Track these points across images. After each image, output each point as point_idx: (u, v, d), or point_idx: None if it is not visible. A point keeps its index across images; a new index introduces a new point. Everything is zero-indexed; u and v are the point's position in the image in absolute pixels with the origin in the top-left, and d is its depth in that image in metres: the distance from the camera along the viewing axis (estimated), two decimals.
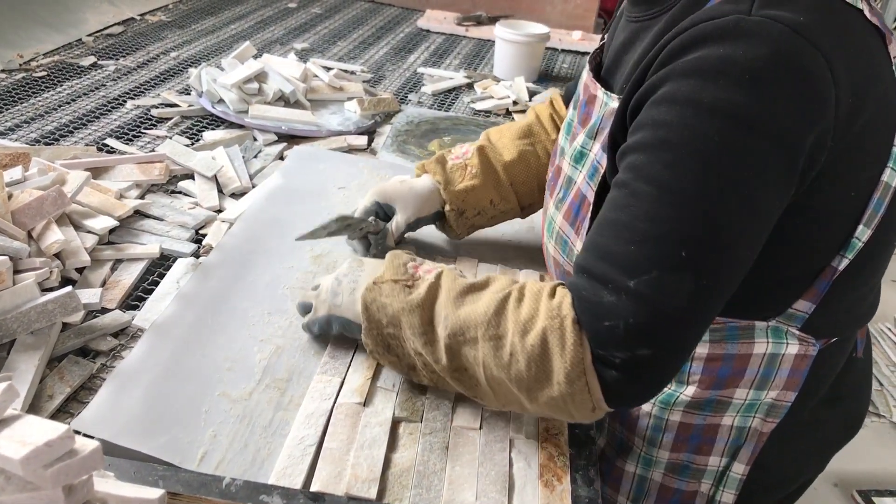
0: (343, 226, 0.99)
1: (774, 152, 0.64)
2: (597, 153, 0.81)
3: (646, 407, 0.87)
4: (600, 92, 0.83)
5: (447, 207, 1.05)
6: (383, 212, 1.03)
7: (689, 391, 0.83)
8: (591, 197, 0.81)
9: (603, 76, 0.86)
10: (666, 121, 0.65)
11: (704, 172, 0.64)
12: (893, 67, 0.73)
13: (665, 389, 0.84)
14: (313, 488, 0.70)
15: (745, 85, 0.63)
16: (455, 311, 0.74)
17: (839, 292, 0.77)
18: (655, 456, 0.89)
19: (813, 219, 0.72)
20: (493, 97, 1.78)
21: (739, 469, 0.86)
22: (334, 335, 0.87)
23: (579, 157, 0.85)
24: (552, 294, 0.72)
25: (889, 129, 0.72)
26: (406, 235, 1.08)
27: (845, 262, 0.75)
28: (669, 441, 0.87)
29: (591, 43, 2.28)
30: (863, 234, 0.74)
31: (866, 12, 0.70)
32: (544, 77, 2.00)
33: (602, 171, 0.79)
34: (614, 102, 0.79)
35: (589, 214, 0.81)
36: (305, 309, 0.89)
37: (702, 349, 0.80)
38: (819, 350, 0.81)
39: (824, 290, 0.76)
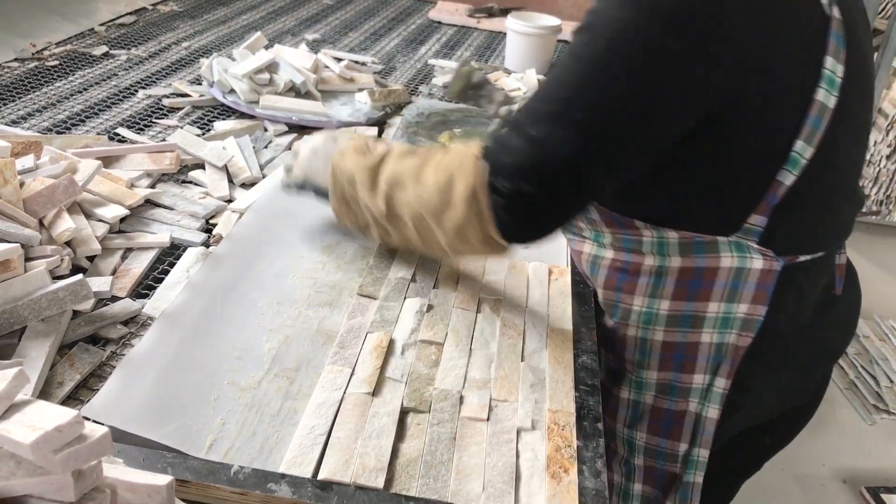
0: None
1: (681, 47, 0.73)
2: None
3: (630, 330, 0.94)
4: None
5: None
6: None
7: (665, 305, 0.90)
8: None
9: None
10: (595, 9, 0.76)
11: (609, 50, 0.74)
12: (822, 2, 0.80)
13: (642, 307, 0.92)
14: (321, 477, 0.70)
15: None
16: (395, 167, 0.89)
17: (791, 208, 0.83)
18: (645, 378, 0.95)
19: (748, 127, 0.79)
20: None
21: (721, 384, 0.92)
22: (305, 196, 1.04)
23: None
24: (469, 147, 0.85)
25: (814, 50, 0.79)
26: None
27: (792, 178, 0.81)
28: (656, 361, 0.94)
29: None
30: (804, 150, 0.80)
31: None
32: None
33: None
34: None
35: None
36: (287, 169, 1.05)
37: (675, 263, 0.88)
38: (784, 266, 0.87)
39: (773, 203, 0.83)
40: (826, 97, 0.79)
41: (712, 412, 0.93)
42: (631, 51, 0.73)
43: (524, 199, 0.78)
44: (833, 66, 0.79)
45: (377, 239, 0.98)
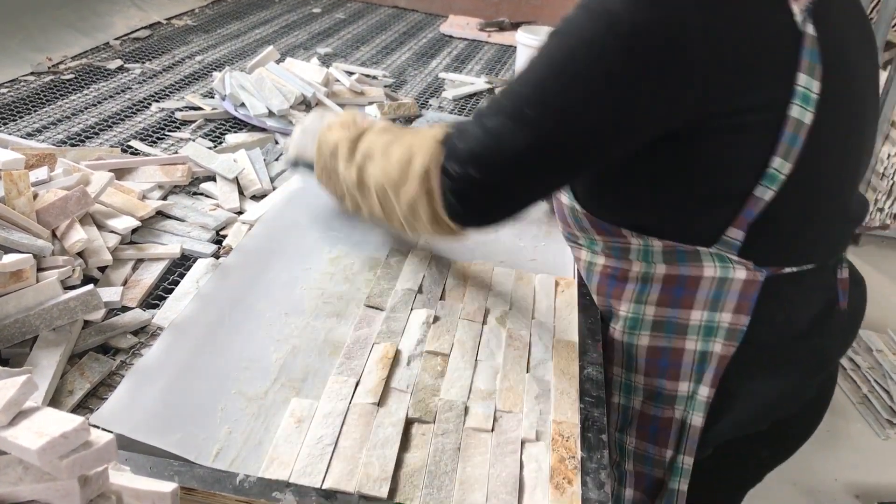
0: None
1: (641, 69, 0.74)
2: None
3: (617, 335, 0.97)
4: None
5: None
6: None
7: (651, 311, 0.93)
8: None
9: None
10: (569, 16, 0.79)
11: (570, 57, 0.77)
12: (795, 18, 0.79)
13: (628, 313, 0.94)
14: (325, 485, 0.70)
15: None
16: (371, 140, 0.95)
17: (771, 223, 0.84)
18: (633, 382, 0.97)
19: (718, 145, 0.80)
20: None
21: (704, 392, 0.93)
22: (302, 173, 1.13)
23: None
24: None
25: (786, 67, 0.78)
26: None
27: (770, 194, 0.81)
28: (643, 365, 0.96)
29: None
30: (782, 166, 0.80)
31: None
32: None
33: None
34: None
35: None
36: (285, 149, 1.14)
37: (660, 270, 0.91)
38: (768, 277, 0.88)
39: (751, 219, 0.83)
40: (801, 113, 0.78)
41: (696, 420, 0.94)
42: (590, 62, 0.76)
43: (471, 184, 0.83)
44: (807, 83, 0.78)
45: (351, 210, 1.04)
